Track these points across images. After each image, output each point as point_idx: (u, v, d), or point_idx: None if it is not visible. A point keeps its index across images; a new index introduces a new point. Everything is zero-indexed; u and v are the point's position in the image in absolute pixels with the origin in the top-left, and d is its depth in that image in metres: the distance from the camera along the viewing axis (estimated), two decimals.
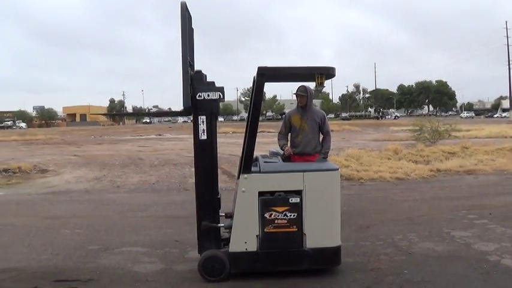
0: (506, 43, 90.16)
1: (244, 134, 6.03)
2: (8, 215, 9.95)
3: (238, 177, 5.68)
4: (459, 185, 13.17)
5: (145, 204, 10.99)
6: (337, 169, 5.82)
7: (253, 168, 5.51)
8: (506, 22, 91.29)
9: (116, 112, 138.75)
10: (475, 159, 17.74)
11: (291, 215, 5.36)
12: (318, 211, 5.42)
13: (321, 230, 5.44)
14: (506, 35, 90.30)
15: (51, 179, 15.85)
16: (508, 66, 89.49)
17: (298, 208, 5.38)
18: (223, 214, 5.90)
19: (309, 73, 5.76)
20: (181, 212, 9.91)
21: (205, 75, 5.65)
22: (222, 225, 5.68)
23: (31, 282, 5.67)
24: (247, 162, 5.47)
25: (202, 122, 5.39)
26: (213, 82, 5.66)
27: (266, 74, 5.55)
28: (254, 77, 5.65)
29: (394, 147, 21.00)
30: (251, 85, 6.04)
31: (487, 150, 20.49)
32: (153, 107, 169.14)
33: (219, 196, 5.69)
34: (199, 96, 5.37)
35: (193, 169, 15.35)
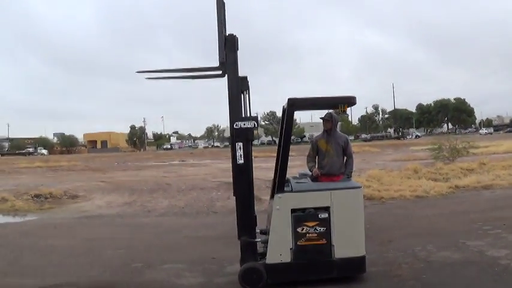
0: None
1: (276, 158, 6.70)
2: (49, 237, 10.58)
3: (272, 197, 6.36)
4: (476, 199, 13.58)
5: (177, 226, 11.54)
6: (360, 187, 6.47)
7: (286, 188, 6.18)
8: None
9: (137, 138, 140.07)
10: (492, 174, 18.10)
11: (320, 229, 5.99)
12: (344, 225, 6.04)
13: (347, 242, 6.05)
14: None
15: (82, 204, 16.36)
16: None
17: (326, 222, 6.00)
18: (259, 231, 6.52)
19: (333, 102, 6.48)
20: (212, 232, 10.49)
21: (237, 39, 6.30)
22: (259, 240, 6.31)
23: None
24: (281, 183, 6.14)
25: (240, 148, 6.04)
26: (246, 77, 6.43)
27: (295, 104, 6.30)
28: (284, 107, 6.40)
29: (414, 167, 21.28)
30: (281, 114, 6.82)
31: (504, 165, 20.80)
32: (173, 133, 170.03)
33: (255, 214, 6.31)
34: (236, 125, 6.04)
35: (219, 193, 16.03)
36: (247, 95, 6.46)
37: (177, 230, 11.11)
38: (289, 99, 6.24)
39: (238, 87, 6.27)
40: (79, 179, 26.26)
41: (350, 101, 6.35)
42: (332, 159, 7.49)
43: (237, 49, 6.24)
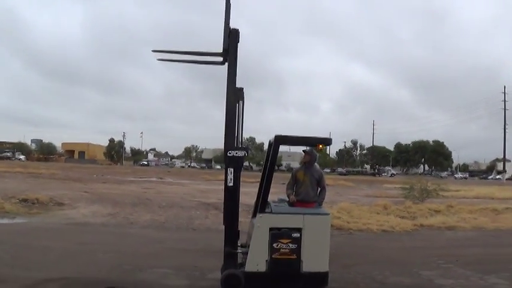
0: (504, 107, 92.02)
1: (259, 184, 7.84)
2: (42, 239, 11.45)
3: (254, 216, 7.47)
4: (438, 238, 14.53)
5: (160, 238, 12.39)
6: (329, 214, 7.64)
7: (266, 210, 7.28)
8: (504, 87, 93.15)
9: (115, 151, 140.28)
10: (458, 217, 18.83)
11: (292, 246, 7.05)
12: (313, 244, 7.10)
13: (314, 258, 7.11)
14: (504, 99, 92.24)
15: (68, 211, 17.05)
16: (503, 130, 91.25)
17: (298, 241, 7.06)
18: (240, 244, 7.57)
19: (312, 142, 7.76)
20: (193, 246, 11.46)
21: (239, 33, 7.35)
22: (240, 251, 7.37)
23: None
24: (263, 205, 7.26)
25: (231, 172, 7.12)
26: (242, 88, 7.50)
27: (281, 141, 7.53)
28: (270, 141, 7.60)
29: (384, 203, 22.05)
30: (267, 147, 8.16)
31: (471, 209, 21.58)
32: (151, 149, 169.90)
33: (238, 229, 7.36)
34: (229, 153, 7.13)
35: (198, 212, 17.08)
36: (242, 105, 7.56)
37: (160, 241, 11.97)
38: (276, 136, 7.46)
39: (235, 97, 7.32)
40: (61, 188, 26.97)
41: (326, 142, 7.64)
42: (307, 188, 8.72)
43: (238, 41, 7.28)
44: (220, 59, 7.53)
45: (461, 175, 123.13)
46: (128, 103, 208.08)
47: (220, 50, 7.40)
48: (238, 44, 7.31)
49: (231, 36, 7.21)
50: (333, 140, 8.47)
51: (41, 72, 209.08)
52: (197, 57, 7.84)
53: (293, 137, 7.74)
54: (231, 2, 7.28)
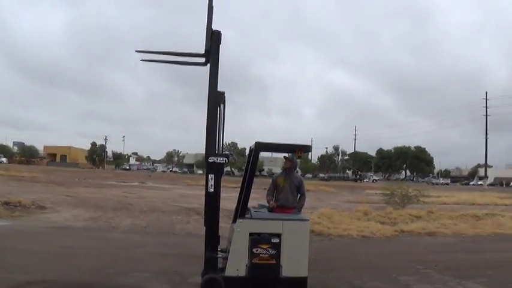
0: (485, 114, 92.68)
1: (240, 190, 7.93)
2: (26, 242, 11.49)
3: (234, 222, 7.57)
4: (417, 244, 14.67)
5: (141, 243, 12.44)
6: (308, 220, 7.74)
7: (246, 215, 7.38)
8: (486, 93, 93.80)
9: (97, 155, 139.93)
10: (438, 223, 18.98)
11: (272, 251, 7.15)
12: (292, 249, 7.20)
13: (293, 263, 7.21)
14: (485, 105, 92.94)
15: (50, 215, 17.05)
16: (485, 136, 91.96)
17: (277, 246, 7.16)
18: (220, 249, 7.66)
19: (292, 148, 7.87)
20: (174, 251, 11.55)
21: (221, 34, 7.46)
22: (220, 256, 7.46)
23: None
24: (243, 210, 7.36)
25: (211, 179, 7.21)
26: (223, 92, 7.62)
27: (261, 147, 7.65)
28: (251, 148, 7.70)
29: (365, 209, 22.15)
30: (248, 154, 8.18)
31: (451, 215, 21.77)
32: (133, 153, 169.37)
33: (219, 235, 7.45)
34: (210, 159, 7.22)
35: (179, 217, 17.14)
36: (223, 109, 7.67)
37: (141, 245, 12.03)
38: (256, 143, 7.58)
39: (217, 100, 7.42)
40: (44, 191, 26.94)
41: (306, 149, 7.74)
42: (287, 194, 8.90)
43: (220, 43, 7.39)
44: (203, 59, 7.63)
45: (442, 181, 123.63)
46: (110, 106, 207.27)
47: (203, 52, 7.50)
48: (220, 46, 7.42)
49: (213, 38, 7.31)
50: (314, 145, 8.70)
51: (22, 74, 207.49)
52: (180, 58, 7.93)
53: (273, 144, 7.86)
54: (213, 4, 7.37)
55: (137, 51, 7.71)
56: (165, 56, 7.85)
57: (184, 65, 8.04)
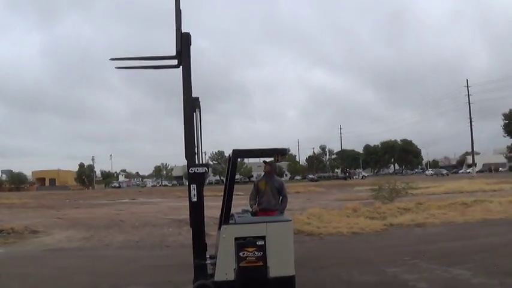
0: (468, 101, 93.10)
1: (223, 197, 8.14)
2: (21, 267, 11.59)
3: (219, 228, 7.78)
4: (407, 236, 14.93)
5: (134, 257, 12.62)
6: (291, 220, 7.93)
7: (230, 221, 7.59)
8: (467, 80, 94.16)
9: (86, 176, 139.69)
10: (427, 213, 19.35)
11: (258, 253, 7.32)
12: (277, 250, 7.39)
13: (279, 264, 7.38)
14: (467, 93, 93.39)
15: (43, 238, 17.12)
16: (469, 123, 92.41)
17: (263, 248, 7.34)
18: (208, 256, 7.87)
19: (270, 153, 8.09)
20: (167, 262, 11.72)
21: (191, 36, 7.63)
22: (209, 262, 7.67)
23: None
24: (227, 217, 7.56)
25: (194, 188, 7.41)
26: (197, 97, 7.70)
27: (239, 154, 7.92)
28: (229, 155, 7.94)
29: (354, 206, 22.49)
30: (227, 162, 8.35)
31: (440, 205, 22.12)
32: (121, 171, 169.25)
33: (205, 242, 7.66)
34: (191, 170, 7.43)
35: (171, 229, 17.34)
36: (199, 114, 7.78)
37: (134, 260, 12.21)
38: (233, 150, 7.80)
39: (192, 104, 7.56)
40: (35, 216, 26.91)
41: (283, 152, 7.92)
42: (269, 197, 9.23)
43: (190, 44, 7.57)
44: (175, 62, 7.79)
45: (431, 171, 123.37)
46: (94, 126, 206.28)
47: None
48: (191, 48, 7.59)
49: (183, 39, 7.49)
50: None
51: (3, 102, 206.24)
52: (154, 63, 8.09)
53: (250, 150, 8.11)
54: (180, 8, 7.56)
55: (111, 59, 7.87)
56: (140, 62, 8.05)
57: (158, 69, 8.14)
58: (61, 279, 9.98)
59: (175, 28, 7.51)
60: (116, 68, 8.20)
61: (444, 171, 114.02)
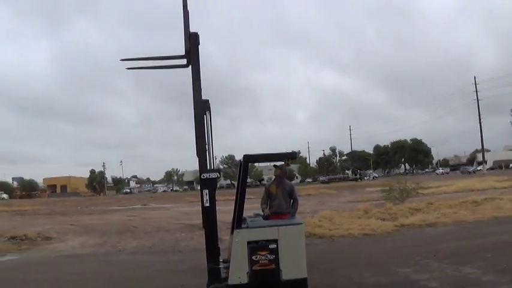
0: (476, 98, 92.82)
1: (234, 201, 8.23)
2: (36, 273, 11.72)
3: (232, 232, 7.88)
4: (418, 236, 14.94)
5: (148, 262, 12.71)
6: (302, 223, 8.00)
7: (243, 225, 7.69)
8: (475, 78, 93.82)
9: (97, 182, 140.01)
10: (438, 213, 19.32)
11: (270, 257, 7.42)
12: (289, 253, 7.48)
13: (292, 266, 7.47)
14: (475, 90, 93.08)
15: (57, 245, 17.22)
16: (479, 121, 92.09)
17: (275, 251, 7.44)
18: (222, 260, 7.97)
19: (280, 157, 8.25)
20: (180, 267, 11.82)
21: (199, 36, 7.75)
22: (222, 266, 7.77)
23: None
24: (239, 221, 7.66)
25: (206, 194, 7.53)
26: (207, 100, 7.80)
27: (249, 160, 8.00)
28: (240, 161, 8.06)
29: (365, 207, 22.50)
30: (238, 167, 8.47)
31: (451, 204, 22.07)
32: (132, 176, 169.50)
33: (218, 246, 7.77)
34: (203, 176, 7.55)
35: (183, 234, 17.46)
36: (209, 117, 7.92)
37: (148, 265, 12.28)
38: (244, 156, 7.89)
39: (202, 106, 7.66)
40: (48, 222, 26.94)
41: (292, 156, 8.03)
42: (280, 201, 9.36)
43: (199, 44, 7.67)
44: (184, 61, 7.91)
45: (442, 170, 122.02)
46: (104, 132, 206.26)
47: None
48: (199, 49, 7.68)
49: (192, 39, 7.59)
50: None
51: (12, 109, 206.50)
52: (163, 63, 8.21)
53: (260, 155, 8.29)
54: (188, 8, 7.67)
55: (122, 60, 7.99)
56: (150, 62, 8.16)
57: (168, 69, 8.23)
58: (75, 285, 10.14)
59: (183, 28, 7.63)
60: (126, 68, 8.31)
61: (471, 169, 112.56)
